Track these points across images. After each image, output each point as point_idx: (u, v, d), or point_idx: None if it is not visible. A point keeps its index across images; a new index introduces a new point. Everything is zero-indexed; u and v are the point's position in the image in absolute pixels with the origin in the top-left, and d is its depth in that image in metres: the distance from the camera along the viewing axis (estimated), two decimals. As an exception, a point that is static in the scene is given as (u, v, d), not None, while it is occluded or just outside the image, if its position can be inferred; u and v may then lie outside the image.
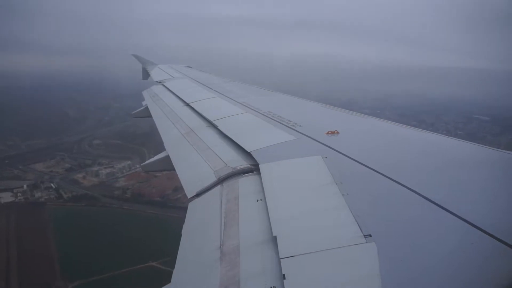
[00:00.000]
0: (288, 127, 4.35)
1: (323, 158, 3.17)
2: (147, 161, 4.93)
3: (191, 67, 13.25)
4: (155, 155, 4.86)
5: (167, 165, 4.41)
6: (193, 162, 3.92)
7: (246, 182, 3.10)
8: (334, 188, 2.58)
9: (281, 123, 4.57)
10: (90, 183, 57.63)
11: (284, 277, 1.71)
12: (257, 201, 2.68)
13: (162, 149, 4.75)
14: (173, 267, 2.18)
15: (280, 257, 1.86)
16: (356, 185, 2.62)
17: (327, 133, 3.89)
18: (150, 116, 6.99)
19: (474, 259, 1.69)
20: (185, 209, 2.92)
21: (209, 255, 2.20)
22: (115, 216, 47.84)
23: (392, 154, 3.39)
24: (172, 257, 2.25)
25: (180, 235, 2.54)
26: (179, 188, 53.28)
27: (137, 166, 61.40)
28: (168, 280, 2.08)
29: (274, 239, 2.06)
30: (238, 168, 3.35)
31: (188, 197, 3.14)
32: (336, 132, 3.91)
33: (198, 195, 3.12)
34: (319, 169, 2.96)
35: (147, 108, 7.66)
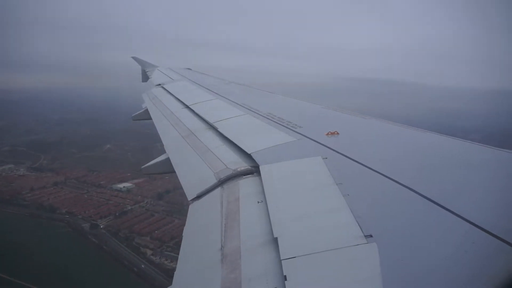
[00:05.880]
0: (288, 128, 4.35)
1: (323, 159, 3.17)
2: (147, 164, 4.91)
3: (190, 69, 13.28)
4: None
5: (167, 167, 4.40)
6: (194, 164, 3.92)
7: (247, 184, 3.09)
8: (334, 188, 2.58)
9: (281, 124, 4.57)
10: (-40, 182, 65.99)
11: (285, 278, 1.71)
12: (258, 202, 2.68)
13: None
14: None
15: (281, 258, 1.86)
16: (357, 185, 2.62)
17: (327, 134, 3.89)
18: (150, 118, 7.00)
19: (475, 258, 1.69)
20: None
21: (210, 257, 2.20)
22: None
23: (392, 154, 3.39)
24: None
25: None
26: (36, 189, 61.16)
27: (20, 169, 70.96)
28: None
29: (275, 241, 2.06)
30: (239, 169, 3.35)
31: (189, 199, 3.14)
32: (336, 133, 3.91)
33: (198, 197, 3.11)
34: (319, 170, 2.96)
35: (147, 110, 7.67)
